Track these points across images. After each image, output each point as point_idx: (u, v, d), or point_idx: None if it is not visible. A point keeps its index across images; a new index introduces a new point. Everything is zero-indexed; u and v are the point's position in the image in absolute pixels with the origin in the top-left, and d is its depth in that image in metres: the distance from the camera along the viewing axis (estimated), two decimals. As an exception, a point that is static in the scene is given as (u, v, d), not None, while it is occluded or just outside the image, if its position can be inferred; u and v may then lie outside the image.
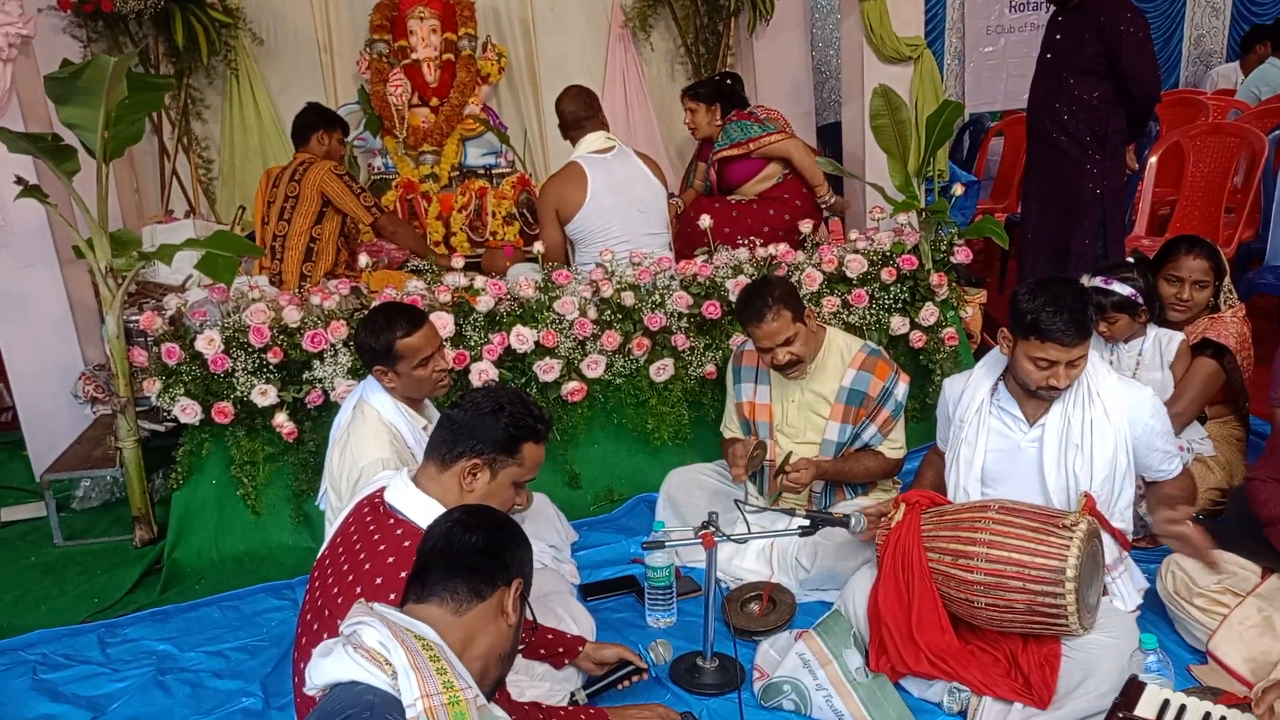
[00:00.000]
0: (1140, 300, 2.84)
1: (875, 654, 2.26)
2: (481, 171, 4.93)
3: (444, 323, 3.07)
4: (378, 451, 2.34)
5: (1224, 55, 8.60)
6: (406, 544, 1.73)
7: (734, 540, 2.35)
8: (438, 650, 1.28)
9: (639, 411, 3.34)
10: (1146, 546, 2.75)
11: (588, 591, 2.80)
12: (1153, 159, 4.75)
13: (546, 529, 2.88)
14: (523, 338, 3.15)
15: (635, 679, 2.20)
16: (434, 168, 4.83)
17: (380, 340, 2.40)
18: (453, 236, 4.63)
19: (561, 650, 2.19)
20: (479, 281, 3.26)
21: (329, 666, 1.28)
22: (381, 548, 1.76)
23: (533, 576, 1.48)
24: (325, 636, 1.73)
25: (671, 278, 3.39)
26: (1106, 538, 2.27)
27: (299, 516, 3.11)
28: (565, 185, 3.56)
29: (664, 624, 2.61)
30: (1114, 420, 2.29)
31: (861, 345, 2.87)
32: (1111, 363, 2.87)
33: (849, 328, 3.36)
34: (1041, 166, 4.13)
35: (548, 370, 3.17)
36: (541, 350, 3.18)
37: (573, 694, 2.15)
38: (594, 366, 3.22)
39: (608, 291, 3.27)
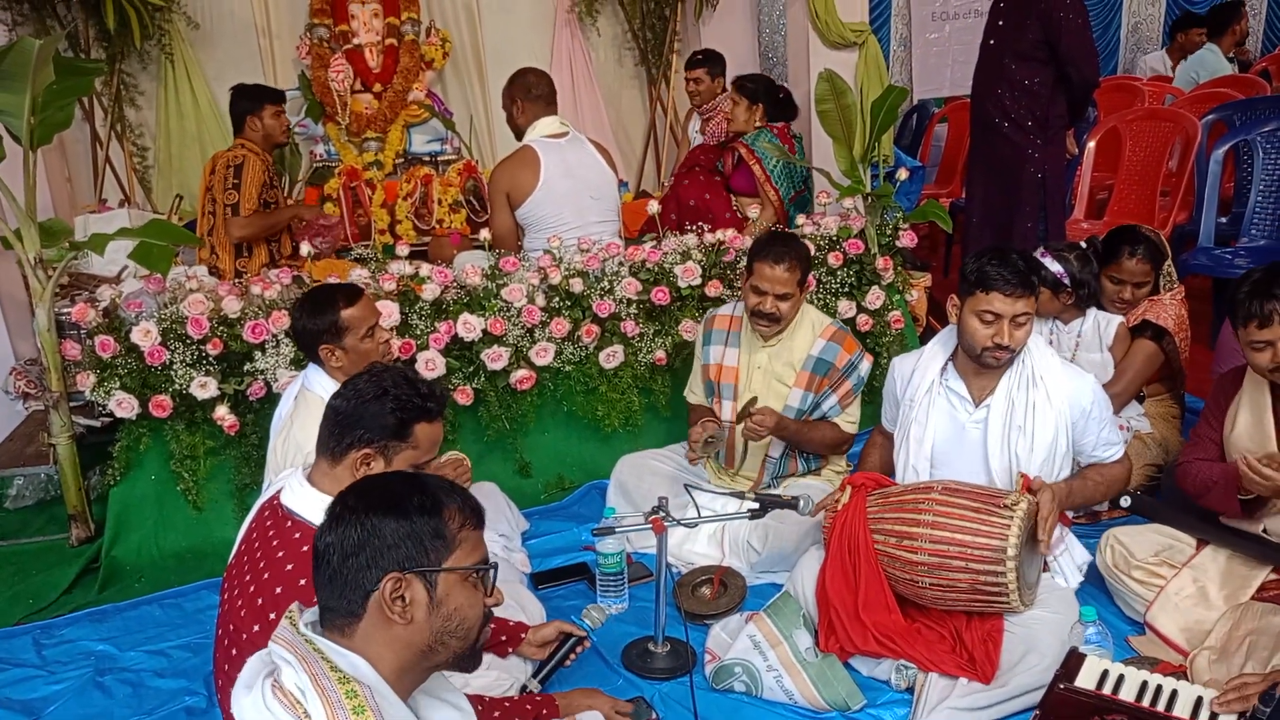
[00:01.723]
0: (1066, 283, 2.91)
1: (824, 634, 2.28)
2: (427, 158, 4.87)
3: (389, 311, 3.02)
4: None
5: (1159, 43, 8.79)
6: (305, 549, 1.61)
7: (684, 525, 2.35)
8: (365, 694, 1.17)
9: (589, 399, 3.33)
10: (1086, 523, 2.82)
11: (539, 580, 2.79)
12: (1091, 143, 4.84)
13: (497, 518, 2.86)
14: (470, 326, 3.12)
15: (580, 649, 2.18)
16: (378, 155, 4.76)
17: (323, 318, 2.38)
18: (398, 225, 4.56)
19: (504, 638, 2.17)
20: (424, 269, 3.22)
21: (249, 708, 1.18)
22: (280, 554, 1.67)
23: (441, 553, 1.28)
24: (234, 653, 1.69)
25: (620, 264, 3.38)
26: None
27: (242, 511, 3.04)
28: (518, 169, 3.52)
29: (616, 610, 2.60)
30: (1055, 404, 2.34)
31: (833, 321, 2.94)
32: (1051, 343, 2.93)
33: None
34: (984, 151, 4.18)
35: (496, 358, 3.14)
36: (489, 338, 3.15)
37: (524, 685, 2.14)
38: (543, 354, 3.20)
39: (556, 278, 3.25)
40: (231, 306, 2.97)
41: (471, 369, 3.17)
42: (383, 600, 1.21)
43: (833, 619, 2.27)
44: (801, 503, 2.36)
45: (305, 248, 3.35)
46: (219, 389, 2.93)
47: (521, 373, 3.18)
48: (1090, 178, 4.89)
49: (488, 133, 5.66)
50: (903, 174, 3.77)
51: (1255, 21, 9.09)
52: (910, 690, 2.20)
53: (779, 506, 2.38)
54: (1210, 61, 6.51)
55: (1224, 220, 4.29)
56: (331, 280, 3.07)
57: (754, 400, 2.78)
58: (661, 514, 2.29)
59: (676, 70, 5.87)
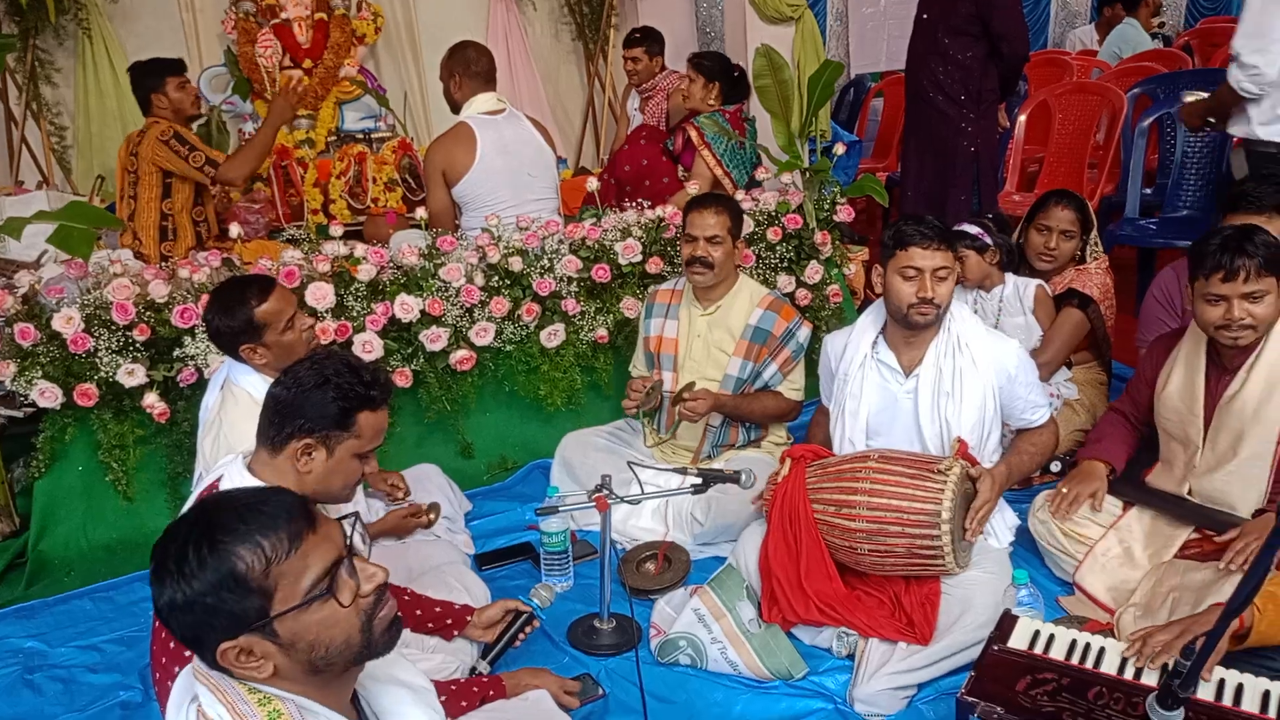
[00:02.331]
0: (987, 239, 3.03)
1: (767, 605, 2.31)
2: (360, 136, 4.77)
3: (324, 293, 2.97)
4: (254, 436, 2.24)
5: (1088, 17, 8.98)
6: None
7: (627, 501, 2.35)
8: (291, 710, 1.15)
9: (530, 378, 3.31)
10: (1018, 488, 2.89)
11: (483, 561, 2.78)
12: (1022, 117, 4.93)
13: (439, 500, 2.84)
14: (407, 307, 3.07)
15: (529, 629, 2.18)
16: (309, 133, 4.65)
17: (236, 317, 2.26)
18: (332, 204, 4.48)
19: (450, 621, 2.16)
20: (360, 250, 3.16)
21: None
22: None
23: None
24: (171, 645, 1.68)
25: (560, 242, 3.35)
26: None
27: (176, 500, 2.97)
28: (454, 146, 3.47)
29: (561, 588, 2.61)
30: (981, 369, 2.39)
31: (771, 291, 3.00)
32: (976, 310, 3.03)
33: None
34: (919, 125, 4.23)
35: (435, 339, 3.10)
36: (428, 319, 3.11)
37: (473, 668, 2.13)
38: (483, 334, 3.17)
39: (495, 257, 3.21)
40: (158, 291, 2.88)
41: (410, 350, 3.13)
42: (234, 665, 1.14)
43: (775, 589, 2.30)
44: (744, 477, 2.38)
45: (235, 229, 3.26)
46: (148, 376, 2.84)
47: (461, 353, 3.15)
48: (1022, 150, 4.98)
49: (423, 109, 5.57)
50: (840, 149, 3.80)
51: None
52: (851, 657, 2.25)
53: (721, 481, 2.39)
54: (1131, 36, 6.67)
55: (1149, 192, 4.41)
56: (264, 264, 3.00)
57: (692, 385, 2.80)
58: (605, 492, 2.29)
59: (614, 46, 5.84)
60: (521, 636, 2.15)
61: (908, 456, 2.28)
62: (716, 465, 2.89)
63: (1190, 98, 3.54)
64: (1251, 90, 3.10)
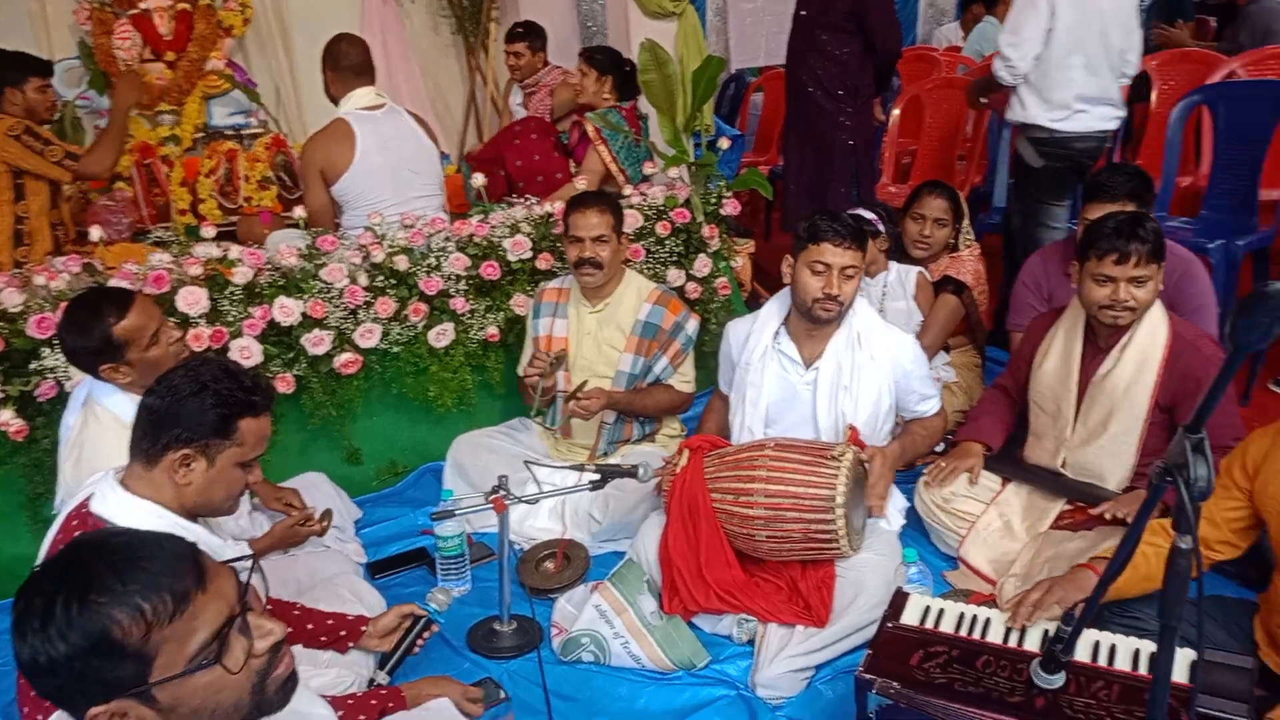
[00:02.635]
0: (880, 226, 3.15)
1: (668, 596, 2.33)
2: (230, 132, 4.57)
3: (196, 298, 2.83)
4: (121, 458, 2.11)
5: (954, 14, 9.34)
6: None
7: (525, 501, 2.33)
8: None
9: (419, 379, 3.23)
10: (903, 469, 2.99)
11: (376, 569, 2.71)
12: (895, 111, 5.09)
13: (325, 508, 2.74)
14: (287, 310, 2.95)
15: (427, 634, 2.12)
16: (174, 129, 4.42)
17: (93, 336, 2.10)
18: (201, 204, 4.27)
19: (344, 633, 2.08)
20: (234, 251, 3.02)
21: None
22: None
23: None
24: (26, 710, 1.56)
25: (446, 239, 3.28)
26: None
27: (37, 523, 2.78)
28: (332, 143, 3.35)
29: (459, 593, 2.56)
30: (879, 363, 2.46)
31: (658, 285, 3.01)
32: (860, 293, 3.11)
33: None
34: (799, 119, 4.32)
35: (318, 343, 2.99)
36: (310, 322, 3.00)
37: (371, 679, 2.06)
38: (368, 336, 3.08)
39: (379, 256, 3.12)
40: (12, 299, 2.69)
41: (292, 355, 3.01)
42: None
43: (676, 580, 2.31)
44: (641, 470, 2.38)
45: (96, 232, 3.07)
46: (2, 391, 2.65)
47: (346, 356, 3.05)
48: (896, 143, 5.15)
49: (295, 104, 5.37)
50: (725, 143, 3.84)
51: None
52: (751, 643, 2.28)
53: (619, 476, 2.39)
54: (991, 34, 6.95)
55: (1014, 181, 4.60)
56: (129, 268, 2.83)
57: (585, 384, 2.79)
58: (502, 492, 2.26)
59: (495, 39, 5.76)
60: (420, 642, 2.10)
61: (803, 444, 2.33)
62: (613, 461, 2.89)
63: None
64: (1007, 79, 3.50)
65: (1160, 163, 3.96)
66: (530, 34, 4.64)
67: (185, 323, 2.82)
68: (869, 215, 3.10)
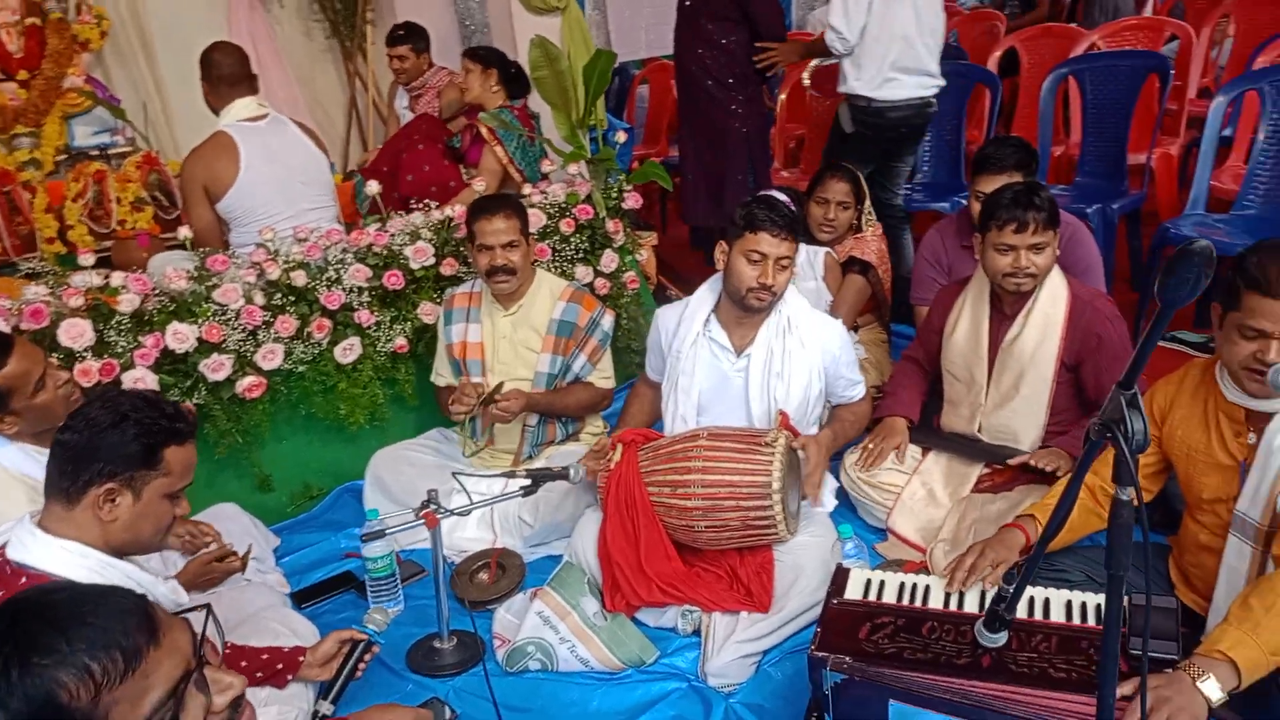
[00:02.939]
0: (793, 208, 3.15)
1: (609, 594, 2.31)
2: (96, 153, 4.30)
3: (80, 331, 2.66)
4: (12, 511, 1.94)
5: None
6: None
7: (457, 514, 2.27)
8: None
9: (328, 398, 3.12)
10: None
11: (301, 598, 2.60)
12: (783, 96, 5.18)
13: (242, 540, 2.62)
14: (181, 336, 2.80)
15: (369, 656, 2.05)
16: (34, 152, 4.14)
17: None
18: (70, 230, 4.00)
19: (281, 666, 1.99)
20: (117, 278, 2.85)
21: None
22: None
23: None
24: None
25: (344, 250, 3.17)
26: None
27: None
28: (214, 159, 3.20)
29: (392, 613, 2.48)
30: (809, 350, 2.50)
31: (569, 283, 2.97)
32: None
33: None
34: (692, 110, 4.34)
35: (217, 368, 2.85)
36: (207, 347, 2.86)
37: (315, 712, 1.97)
38: (271, 357, 2.95)
39: (275, 273, 2.99)
40: None
41: (190, 382, 2.86)
42: None
43: (617, 576, 2.30)
44: (573, 472, 2.36)
45: (-42, 267, 2.86)
46: None
47: (249, 380, 2.92)
48: (785, 129, 5.23)
49: (164, 119, 5.11)
50: (621, 137, 3.83)
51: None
52: (697, 633, 2.29)
53: (550, 479, 2.36)
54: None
55: (826, 146, 4.72)
56: (2, 303, 2.63)
57: (500, 386, 2.74)
58: (432, 506, 2.20)
59: (373, 42, 5.60)
60: (362, 666, 2.02)
61: (735, 432, 2.35)
62: (539, 464, 2.85)
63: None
64: (838, 49, 3.75)
65: (1033, 134, 4.14)
66: (413, 35, 4.53)
67: (70, 358, 2.65)
68: (783, 198, 3.15)
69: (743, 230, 2.40)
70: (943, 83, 3.91)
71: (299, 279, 3.02)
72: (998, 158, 2.93)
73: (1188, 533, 1.94)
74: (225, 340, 2.88)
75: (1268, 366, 1.61)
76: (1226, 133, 3.72)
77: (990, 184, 2.76)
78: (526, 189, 3.61)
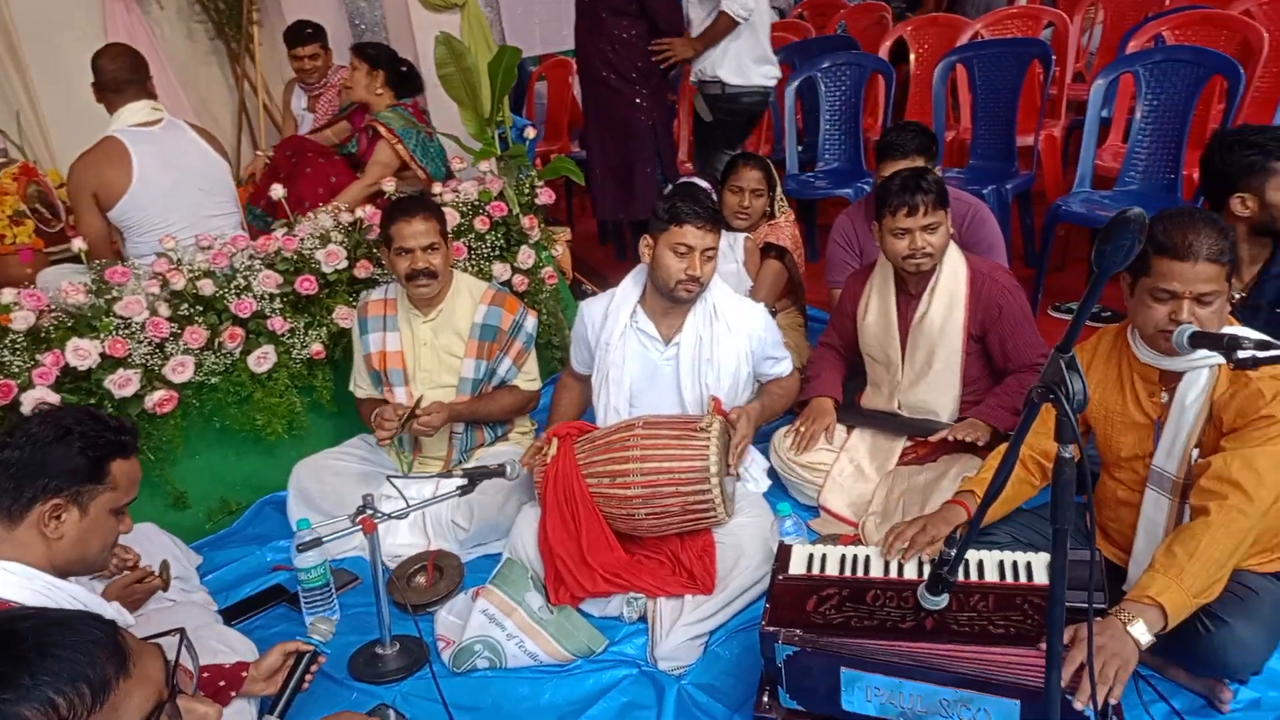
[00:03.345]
0: (714, 195, 3.26)
1: (553, 587, 2.31)
2: (-31, 166, 4.05)
3: (-28, 351, 2.50)
4: None
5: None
6: None
7: (395, 517, 2.23)
8: None
9: (243, 409, 3.02)
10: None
11: (231, 615, 2.52)
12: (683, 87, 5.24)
13: (162, 560, 2.51)
14: (83, 352, 2.67)
15: (315, 667, 2.00)
16: (-103, 167, 3.87)
17: None
18: (-54, 248, 3.76)
19: (224, 684, 1.92)
20: (7, 294, 2.69)
21: None
22: None
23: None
24: None
25: (251, 257, 3.07)
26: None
27: None
28: (104, 166, 3.05)
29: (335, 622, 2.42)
30: (735, 335, 2.54)
31: (489, 285, 2.91)
32: None
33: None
34: (597, 105, 4.36)
35: (124, 384, 2.72)
36: (111, 362, 2.73)
37: (263, 725, 1.91)
38: (180, 369, 2.84)
39: (179, 283, 2.88)
40: None
41: (95, 400, 2.73)
42: None
43: (560, 569, 2.30)
44: (509, 468, 2.34)
45: None
46: None
47: (159, 394, 2.80)
48: (687, 121, 5.29)
49: (38, 127, 4.84)
50: (530, 133, 3.82)
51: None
52: (643, 619, 2.31)
53: (487, 477, 2.34)
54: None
55: (801, 149, 4.87)
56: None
57: (420, 401, 2.70)
58: (369, 512, 2.16)
59: (260, 43, 5.43)
60: (309, 677, 1.96)
61: (670, 419, 2.37)
62: (472, 465, 2.82)
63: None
64: (743, 16, 3.97)
65: (927, 120, 4.30)
66: (321, 34, 4.40)
67: (-38, 381, 2.50)
68: (704, 185, 3.20)
69: (667, 223, 2.43)
70: (779, 74, 4.25)
71: (206, 288, 2.91)
72: (900, 143, 3.03)
73: (1106, 490, 2.06)
74: (131, 355, 2.76)
75: (1181, 325, 1.72)
76: (1105, 114, 3.93)
77: (893, 168, 2.86)
78: (437, 188, 3.56)
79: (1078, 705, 1.58)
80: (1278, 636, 1.86)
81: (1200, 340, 1.64)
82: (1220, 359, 1.71)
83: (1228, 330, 1.77)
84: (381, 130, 3.74)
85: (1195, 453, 1.84)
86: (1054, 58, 4.16)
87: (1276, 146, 2.19)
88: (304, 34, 4.41)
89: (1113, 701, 1.60)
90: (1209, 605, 1.76)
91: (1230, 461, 1.73)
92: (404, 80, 3.99)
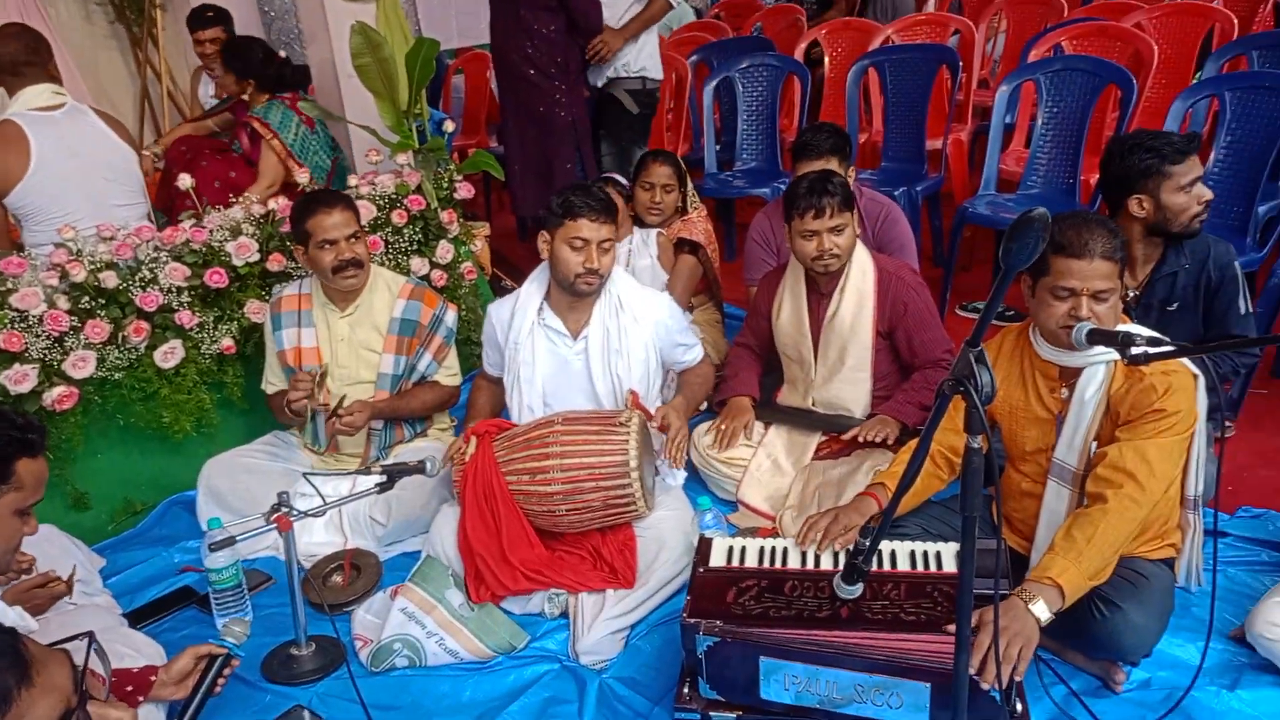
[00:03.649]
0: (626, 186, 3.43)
1: (474, 586, 2.30)
2: None
3: None
4: None
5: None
6: None
7: (312, 515, 2.18)
8: None
9: (149, 406, 2.91)
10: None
11: (137, 618, 2.43)
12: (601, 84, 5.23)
13: (64, 563, 2.41)
14: (-26, 346, 2.55)
15: (229, 670, 1.94)
16: None
17: None
18: None
19: (131, 689, 1.86)
20: (-108, 287, 2.55)
21: None
22: None
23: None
24: None
25: (157, 249, 2.96)
26: (651, 426, 2.55)
27: None
28: (1, 151, 2.90)
29: (248, 624, 2.37)
30: (642, 324, 2.57)
31: (407, 278, 2.87)
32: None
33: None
34: (515, 100, 4.32)
35: (20, 380, 2.61)
36: (6, 357, 2.61)
37: (169, 735, 1.86)
38: (81, 365, 2.72)
39: (80, 275, 2.76)
40: None
41: (-11, 398, 2.61)
42: None
43: (480, 567, 2.29)
44: (429, 465, 2.32)
45: None
46: None
47: (58, 390, 2.69)
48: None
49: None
50: (449, 126, 3.77)
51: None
52: (564, 615, 2.31)
53: (406, 473, 2.31)
54: (676, 9, 7.35)
55: (718, 148, 4.93)
56: None
57: (342, 400, 2.66)
58: (285, 509, 2.11)
59: (164, 28, 5.24)
60: (221, 681, 1.90)
61: (589, 415, 2.38)
62: (391, 461, 2.78)
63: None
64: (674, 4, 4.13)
65: (841, 122, 4.40)
66: (222, 18, 4.25)
67: None
68: (623, 180, 3.25)
69: (562, 218, 2.45)
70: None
71: (109, 280, 2.80)
72: (815, 144, 3.10)
73: (1010, 482, 2.15)
74: (28, 349, 2.64)
75: (1081, 321, 1.81)
76: (1008, 120, 4.08)
77: (809, 168, 2.92)
78: (352, 179, 3.48)
79: (984, 685, 1.65)
80: (1167, 620, 1.98)
81: (1097, 337, 1.73)
82: (1116, 355, 1.80)
83: (1122, 328, 1.87)
84: (258, 127, 3.66)
85: (1094, 445, 1.93)
86: (961, 64, 4.30)
87: (1171, 151, 2.30)
88: (205, 17, 4.26)
89: (1017, 679, 1.68)
90: (1104, 591, 1.86)
91: (1125, 452, 1.83)
92: (279, 81, 3.91)
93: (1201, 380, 1.89)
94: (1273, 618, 1.92)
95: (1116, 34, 4.16)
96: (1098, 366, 1.91)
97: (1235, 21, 4.26)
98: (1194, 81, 4.04)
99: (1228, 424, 2.84)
